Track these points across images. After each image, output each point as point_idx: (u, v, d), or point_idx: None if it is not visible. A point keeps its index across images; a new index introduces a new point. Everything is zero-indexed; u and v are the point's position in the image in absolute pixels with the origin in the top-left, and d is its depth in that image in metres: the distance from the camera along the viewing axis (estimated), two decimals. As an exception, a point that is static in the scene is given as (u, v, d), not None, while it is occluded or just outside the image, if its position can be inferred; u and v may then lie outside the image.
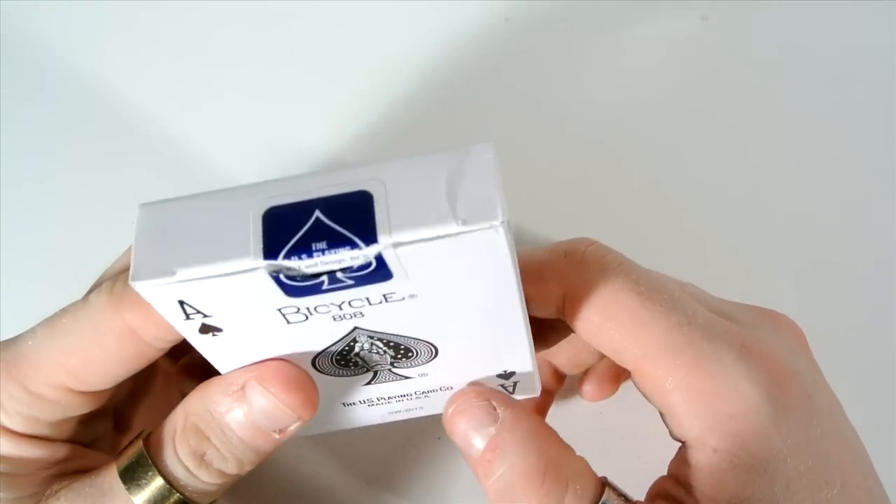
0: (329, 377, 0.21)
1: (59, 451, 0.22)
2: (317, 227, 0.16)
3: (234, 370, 0.20)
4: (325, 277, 0.16)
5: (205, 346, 0.19)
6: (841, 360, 0.32)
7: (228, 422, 0.20)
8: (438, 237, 0.16)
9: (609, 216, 0.34)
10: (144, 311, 0.20)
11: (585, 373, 0.30)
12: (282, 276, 0.16)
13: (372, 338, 0.19)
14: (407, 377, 0.22)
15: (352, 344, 0.19)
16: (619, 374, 0.29)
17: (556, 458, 0.21)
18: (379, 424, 0.24)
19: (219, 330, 0.18)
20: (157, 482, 0.20)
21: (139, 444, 0.21)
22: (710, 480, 0.20)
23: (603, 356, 0.29)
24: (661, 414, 0.21)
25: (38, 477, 0.21)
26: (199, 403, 0.21)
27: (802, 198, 0.34)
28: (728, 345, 0.20)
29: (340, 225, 0.16)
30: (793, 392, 0.20)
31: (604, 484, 0.20)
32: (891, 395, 0.31)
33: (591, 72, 0.36)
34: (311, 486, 0.30)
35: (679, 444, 0.21)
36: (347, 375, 0.21)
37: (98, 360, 0.21)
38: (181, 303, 0.17)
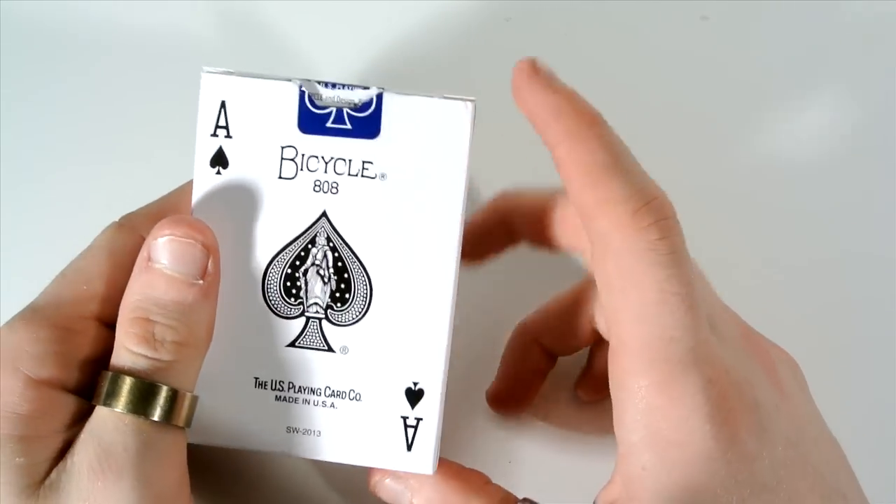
0: (266, 313, 0.23)
1: (77, 409, 0.22)
2: (341, 84, 0.23)
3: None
4: (333, 111, 0.22)
5: (201, 189, 0.23)
6: (841, 361, 0.32)
7: (153, 292, 0.21)
8: (425, 96, 0.22)
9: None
10: (154, 218, 0.22)
11: (582, 375, 0.31)
12: (306, 95, 0.22)
13: (329, 242, 0.23)
14: (330, 347, 0.23)
15: (308, 247, 0.23)
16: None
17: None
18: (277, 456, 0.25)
19: (225, 165, 0.23)
20: (129, 382, 0.21)
21: (102, 372, 0.22)
22: (633, 496, 0.20)
23: (595, 348, 0.30)
24: (614, 407, 0.21)
25: (55, 441, 0.21)
26: (126, 300, 0.22)
27: (802, 197, 0.34)
28: (697, 374, 0.20)
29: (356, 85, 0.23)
30: (744, 427, 0.20)
31: None
32: (891, 395, 0.31)
33: (590, 72, 0.36)
34: (307, 487, 0.30)
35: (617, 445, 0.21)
36: (284, 315, 0.23)
37: (120, 280, 0.22)
38: (222, 105, 0.22)
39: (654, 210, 0.21)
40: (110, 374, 0.21)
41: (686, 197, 0.35)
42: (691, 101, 0.36)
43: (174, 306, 0.21)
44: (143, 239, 0.22)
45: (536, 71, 0.22)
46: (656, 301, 0.20)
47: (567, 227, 0.26)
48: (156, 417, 0.21)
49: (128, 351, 0.21)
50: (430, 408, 0.23)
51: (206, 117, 0.23)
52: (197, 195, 0.23)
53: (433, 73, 0.36)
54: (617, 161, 0.21)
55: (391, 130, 0.22)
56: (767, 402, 0.21)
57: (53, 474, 0.21)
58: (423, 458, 0.23)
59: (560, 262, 0.32)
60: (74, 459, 0.21)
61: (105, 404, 0.21)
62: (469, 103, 0.23)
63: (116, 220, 0.24)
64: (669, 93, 0.36)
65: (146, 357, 0.21)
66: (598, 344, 0.30)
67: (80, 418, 0.22)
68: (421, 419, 0.23)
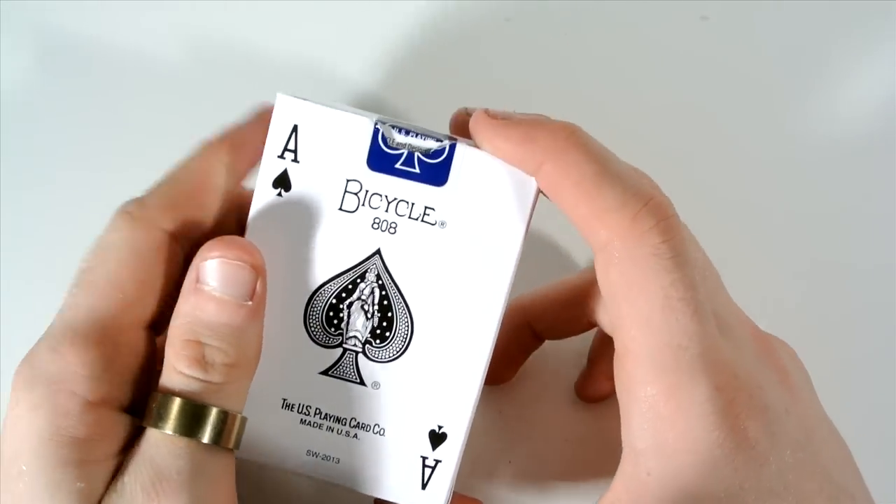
0: (305, 339, 0.23)
1: (131, 430, 0.22)
2: (415, 131, 0.23)
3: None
4: (405, 152, 0.23)
5: (259, 207, 0.23)
6: (840, 361, 0.32)
7: (202, 315, 0.21)
8: (496, 157, 0.22)
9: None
10: (171, 208, 0.22)
11: (582, 375, 0.31)
12: (380, 133, 0.23)
13: (378, 279, 0.23)
14: (362, 381, 0.23)
15: (357, 281, 0.23)
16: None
17: None
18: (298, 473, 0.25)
19: (287, 188, 0.23)
20: (179, 404, 0.21)
21: (152, 394, 0.21)
22: (636, 502, 0.20)
23: (596, 349, 0.30)
24: (621, 413, 0.21)
25: (111, 463, 0.21)
26: (175, 322, 0.22)
27: (803, 197, 0.34)
28: (705, 382, 0.20)
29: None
30: (752, 433, 0.20)
31: None
32: (891, 396, 0.31)
33: (591, 72, 0.36)
34: (306, 486, 0.30)
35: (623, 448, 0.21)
36: (322, 343, 0.24)
37: (150, 281, 0.22)
38: (294, 129, 0.23)
39: (653, 211, 0.20)
40: (160, 395, 0.21)
41: (685, 197, 0.35)
42: (691, 101, 0.36)
43: (224, 328, 0.21)
44: (164, 234, 0.22)
45: (493, 116, 0.22)
46: (662, 307, 0.20)
47: (594, 309, 0.26)
48: (206, 439, 0.21)
49: (179, 373, 0.21)
50: (451, 452, 0.23)
51: (276, 138, 0.23)
52: (254, 212, 0.23)
53: (433, 72, 0.36)
54: (605, 167, 0.20)
55: (458, 181, 0.23)
56: (777, 405, 0.21)
57: (106, 497, 0.20)
58: (436, 498, 0.24)
59: (552, 249, 0.32)
60: (126, 480, 0.20)
61: (155, 426, 0.21)
62: (534, 180, 0.22)
63: (120, 207, 0.23)
64: (669, 93, 0.36)
65: (197, 379, 0.21)
66: (599, 345, 0.30)
67: (133, 438, 0.22)
68: (440, 461, 0.24)
